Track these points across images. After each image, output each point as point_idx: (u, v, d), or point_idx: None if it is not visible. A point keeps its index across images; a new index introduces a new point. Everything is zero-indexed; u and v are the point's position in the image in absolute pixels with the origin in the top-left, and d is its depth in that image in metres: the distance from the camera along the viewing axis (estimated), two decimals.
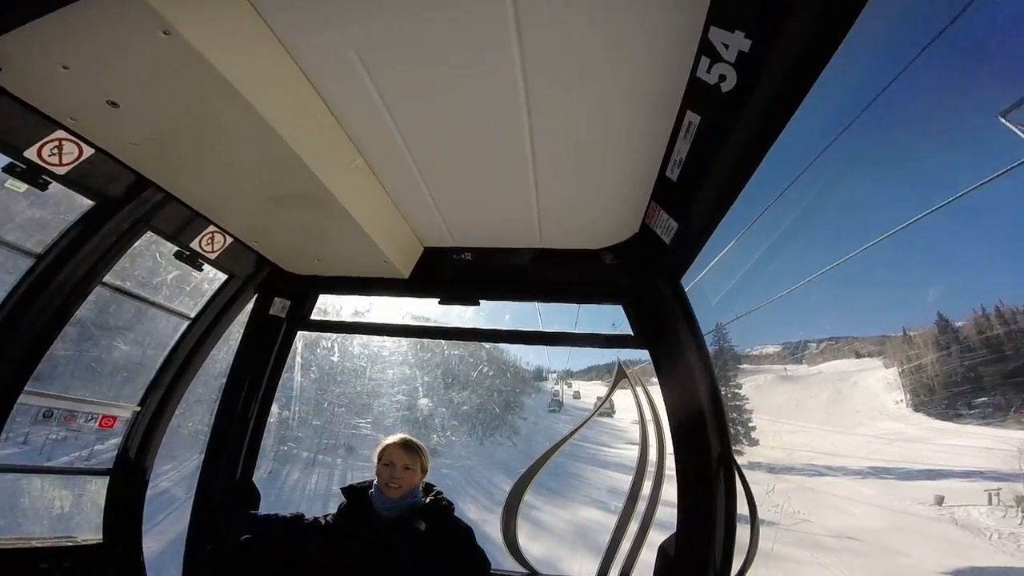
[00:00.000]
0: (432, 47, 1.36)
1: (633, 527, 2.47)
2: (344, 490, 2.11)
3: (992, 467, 25.82)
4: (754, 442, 33.15)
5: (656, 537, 2.28)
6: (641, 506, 2.55)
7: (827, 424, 34.64)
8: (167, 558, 2.60)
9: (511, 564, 2.50)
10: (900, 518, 22.35)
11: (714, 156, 1.39)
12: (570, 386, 52.80)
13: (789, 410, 36.39)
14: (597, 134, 1.61)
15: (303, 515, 2.12)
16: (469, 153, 1.78)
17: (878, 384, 37.43)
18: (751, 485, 1.99)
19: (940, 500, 23.72)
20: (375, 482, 2.03)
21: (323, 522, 2.08)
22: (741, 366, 38.04)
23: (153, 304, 2.37)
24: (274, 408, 2.65)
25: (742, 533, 2.02)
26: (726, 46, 1.11)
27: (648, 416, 2.50)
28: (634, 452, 2.62)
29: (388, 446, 2.04)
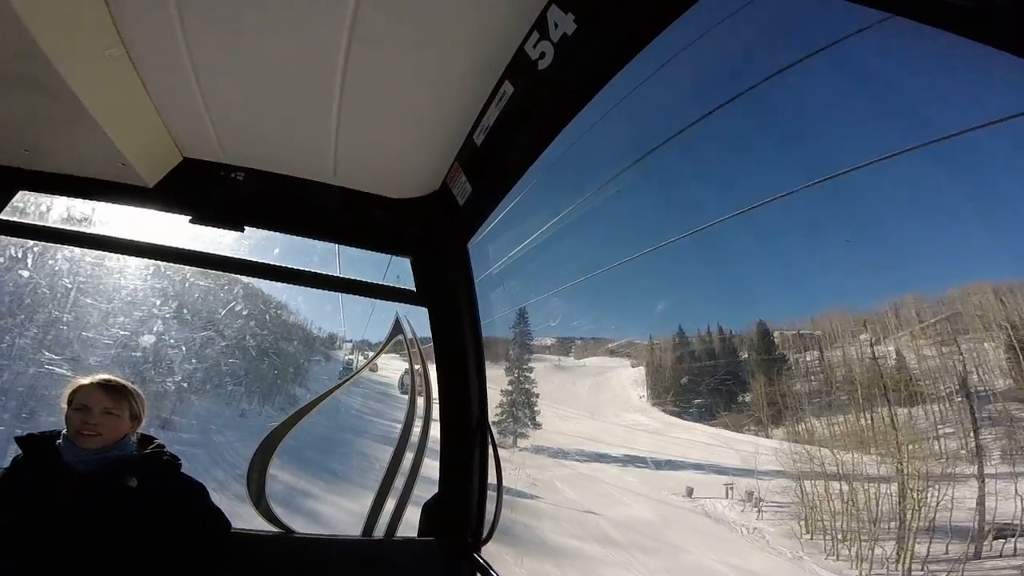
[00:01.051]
0: None
1: (399, 484, 2.70)
2: (20, 439, 1.80)
3: (713, 461, 32.01)
4: (538, 426, 37.89)
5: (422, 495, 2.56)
6: (406, 464, 2.77)
7: (590, 412, 41.44)
8: None
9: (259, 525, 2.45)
10: (665, 509, 26.12)
11: (516, 129, 1.60)
12: (367, 358, 52.16)
13: (562, 397, 42.18)
14: (418, 83, 1.68)
15: None
16: (266, 64, 1.67)
17: (626, 380, 46.35)
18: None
19: (690, 492, 28.29)
20: (64, 432, 1.78)
21: None
22: (529, 355, 43.05)
23: None
24: None
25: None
26: (556, 25, 1.27)
27: (419, 383, 2.75)
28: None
29: (82, 386, 1.80)
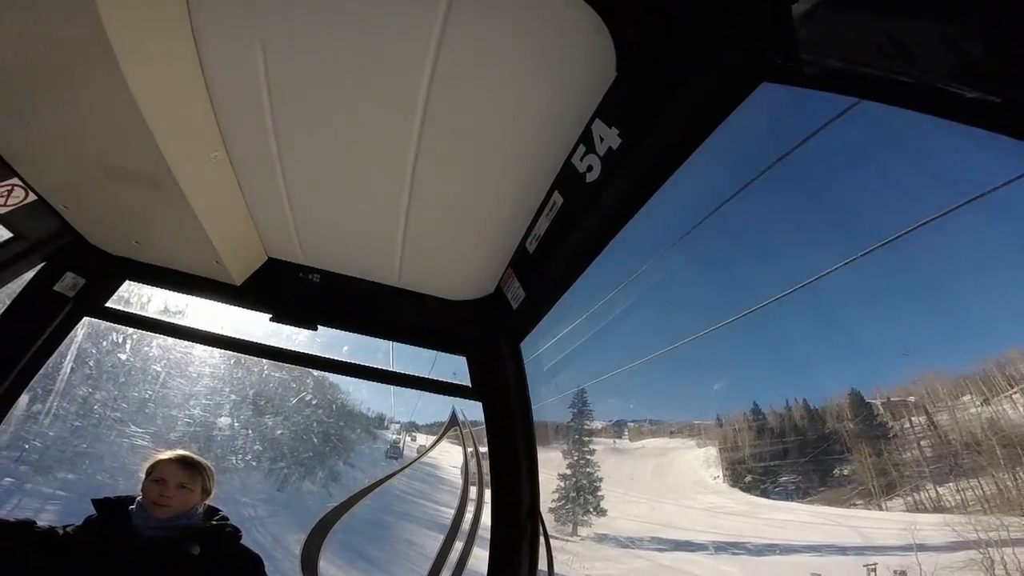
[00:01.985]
0: (342, 61, 1.44)
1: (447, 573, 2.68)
2: (97, 501, 1.95)
3: (827, 541, 28.23)
4: (602, 512, 35.32)
5: None
6: (455, 553, 2.77)
7: (659, 496, 38.24)
8: None
9: None
10: None
11: (566, 238, 1.68)
12: (414, 439, 52.66)
13: (623, 480, 39.31)
14: (474, 194, 1.84)
15: (34, 522, 1.89)
16: (344, 176, 1.89)
17: (695, 461, 42.66)
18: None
19: None
20: (139, 499, 1.92)
21: (61, 533, 1.88)
22: (582, 438, 41.16)
23: None
24: (24, 397, 2.36)
25: None
26: (601, 139, 1.37)
27: (473, 469, 2.80)
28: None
29: (161, 461, 1.95)
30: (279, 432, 29.48)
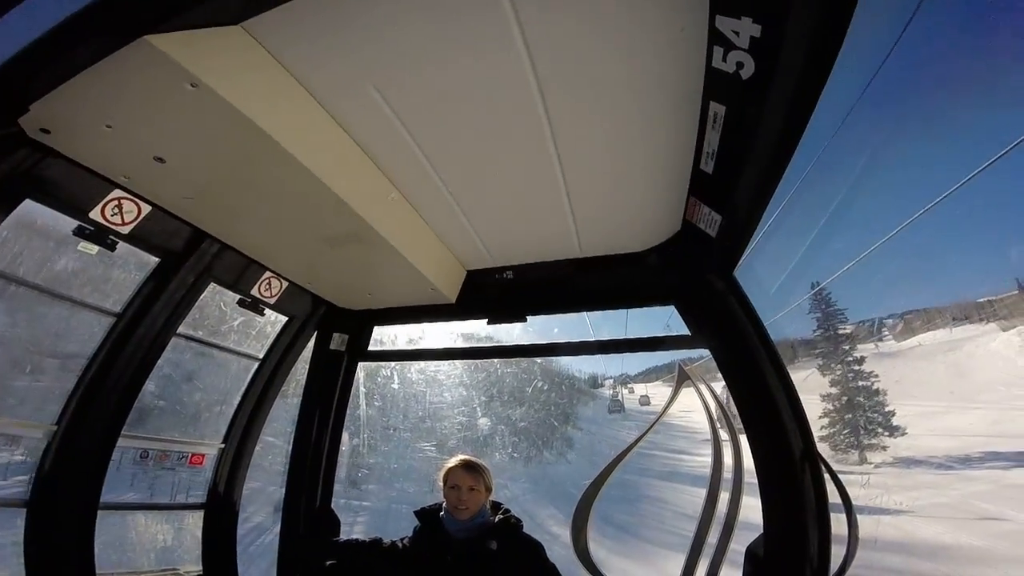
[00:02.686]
0: (443, 70, 1.50)
1: (714, 532, 2.51)
2: (417, 513, 2.36)
3: None
4: (897, 431, 29.96)
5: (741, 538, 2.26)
6: (721, 508, 2.58)
7: (970, 401, 30.66)
8: None
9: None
10: None
11: (747, 143, 1.47)
12: (631, 391, 53.15)
13: (905, 389, 32.51)
14: (620, 137, 1.74)
15: (381, 539, 2.39)
16: (497, 175, 1.96)
17: (1007, 349, 32.76)
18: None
19: None
20: (444, 504, 2.27)
21: (400, 546, 2.32)
22: (839, 348, 34.76)
23: (224, 349, 2.74)
24: (345, 436, 3.05)
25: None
26: (736, 33, 1.19)
27: (717, 414, 2.58)
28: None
29: (451, 469, 2.27)
30: (524, 423, 32.99)
